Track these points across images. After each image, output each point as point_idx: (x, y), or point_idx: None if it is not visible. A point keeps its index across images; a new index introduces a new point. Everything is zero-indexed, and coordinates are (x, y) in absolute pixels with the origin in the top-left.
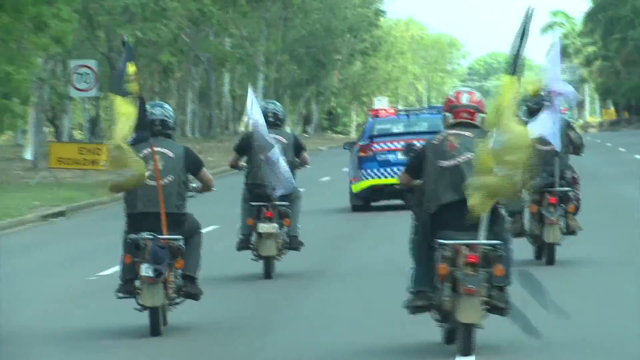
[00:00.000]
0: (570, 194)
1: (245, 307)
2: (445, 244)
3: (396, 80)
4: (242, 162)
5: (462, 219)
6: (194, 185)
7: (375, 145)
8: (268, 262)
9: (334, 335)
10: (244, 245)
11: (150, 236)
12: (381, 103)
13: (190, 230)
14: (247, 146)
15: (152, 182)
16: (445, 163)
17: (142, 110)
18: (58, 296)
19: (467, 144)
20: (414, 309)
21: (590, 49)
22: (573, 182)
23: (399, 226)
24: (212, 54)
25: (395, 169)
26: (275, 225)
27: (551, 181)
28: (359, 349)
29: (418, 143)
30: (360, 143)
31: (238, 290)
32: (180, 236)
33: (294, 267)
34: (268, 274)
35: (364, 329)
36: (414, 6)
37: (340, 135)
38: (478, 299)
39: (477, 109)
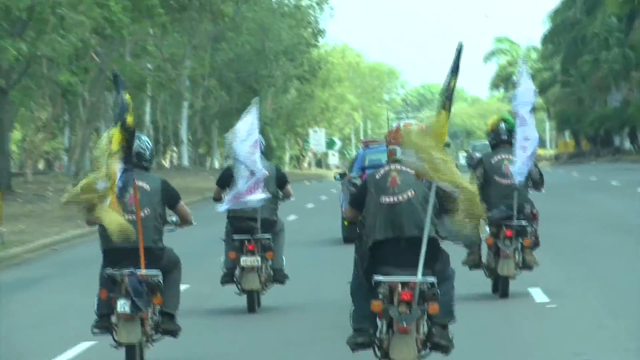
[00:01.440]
0: (528, 228)
1: (229, 343)
2: (381, 281)
3: (333, 110)
4: (225, 195)
5: (400, 256)
6: (173, 219)
7: None
8: (252, 296)
9: None
10: (227, 279)
11: (128, 271)
12: (317, 135)
13: (169, 265)
14: (228, 178)
15: (127, 217)
16: (386, 199)
17: (130, 141)
18: None
19: (410, 181)
20: (355, 346)
21: (546, 74)
22: (532, 217)
23: None
24: (127, 76)
25: None
26: (258, 258)
27: (509, 214)
28: None
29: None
30: (352, 175)
31: (222, 326)
32: (158, 271)
33: (280, 301)
34: (252, 307)
35: None
36: (348, 33)
37: None
38: (412, 338)
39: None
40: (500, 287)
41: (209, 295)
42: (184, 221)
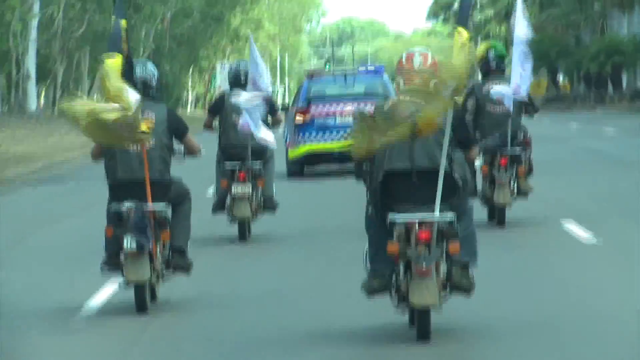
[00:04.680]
0: (522, 155)
1: (228, 276)
2: (396, 221)
3: (246, 40)
4: (216, 123)
5: (413, 191)
6: (181, 148)
7: (313, 109)
8: (243, 224)
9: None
10: (218, 207)
11: (133, 205)
12: (226, 70)
13: (177, 198)
14: (220, 106)
15: (132, 148)
16: None
17: (129, 71)
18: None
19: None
20: (371, 291)
21: None
22: (525, 144)
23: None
24: None
25: (334, 132)
26: (249, 185)
27: (503, 142)
28: (327, 327)
29: (367, 107)
30: (297, 106)
31: (216, 258)
32: (164, 204)
33: (270, 229)
34: (243, 235)
35: (339, 300)
36: None
37: None
38: (432, 280)
39: (431, 73)
40: (497, 216)
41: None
42: (192, 152)
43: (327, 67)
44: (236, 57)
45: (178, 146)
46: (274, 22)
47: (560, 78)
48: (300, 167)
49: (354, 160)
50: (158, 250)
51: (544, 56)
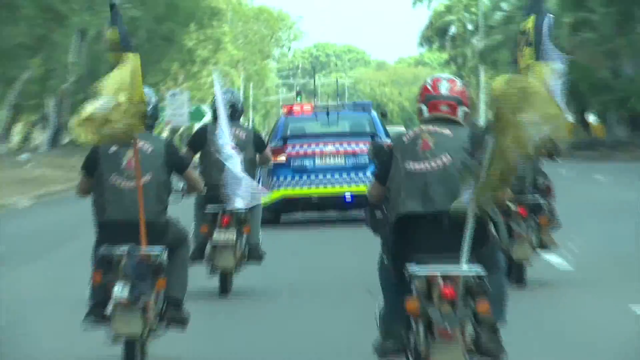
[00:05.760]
0: (543, 204)
1: (212, 334)
2: (416, 274)
3: (202, 64)
4: (195, 159)
5: (435, 237)
6: (180, 184)
7: (290, 149)
8: (225, 275)
9: None
10: (197, 256)
11: (126, 249)
12: (177, 100)
13: (174, 242)
14: (201, 141)
15: (124, 184)
16: (415, 166)
17: None
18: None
19: (445, 145)
20: (384, 353)
21: (527, 21)
22: (546, 191)
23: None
24: None
25: (312, 176)
26: (234, 233)
27: (520, 188)
28: None
29: (384, 143)
30: (271, 145)
31: (202, 313)
32: (161, 248)
33: (252, 282)
34: (225, 288)
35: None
36: None
37: None
38: (456, 344)
39: (460, 101)
40: (515, 273)
41: None
42: (193, 188)
43: (299, 100)
44: (191, 85)
45: (177, 183)
46: (237, 45)
47: (592, 119)
48: (275, 215)
49: (369, 205)
50: (152, 300)
51: (571, 91)
